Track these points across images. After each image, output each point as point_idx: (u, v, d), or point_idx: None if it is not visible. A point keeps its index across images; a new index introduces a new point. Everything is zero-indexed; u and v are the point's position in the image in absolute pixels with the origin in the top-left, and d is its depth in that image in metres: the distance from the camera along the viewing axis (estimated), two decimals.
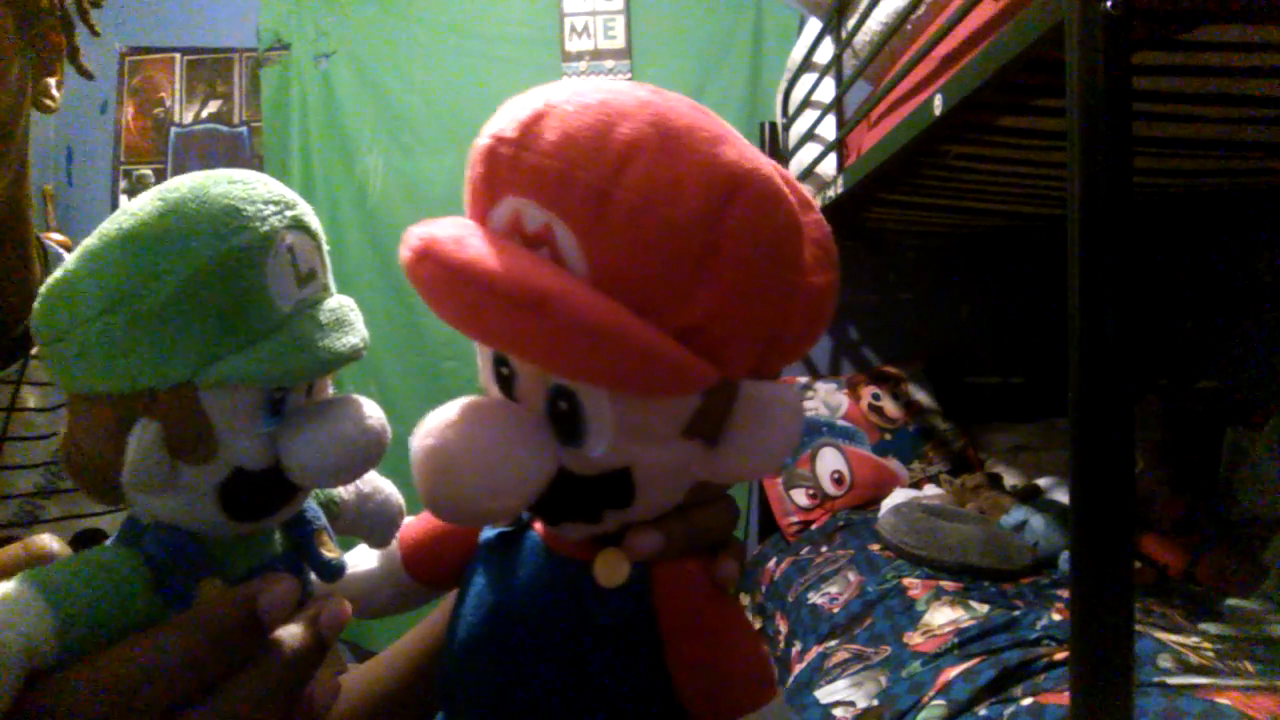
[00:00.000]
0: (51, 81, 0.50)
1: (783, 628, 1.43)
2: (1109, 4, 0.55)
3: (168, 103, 2.27)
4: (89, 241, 0.25)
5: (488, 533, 0.35)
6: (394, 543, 0.37)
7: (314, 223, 0.29)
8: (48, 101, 0.49)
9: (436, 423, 0.27)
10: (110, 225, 0.25)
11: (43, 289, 0.25)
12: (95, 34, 0.54)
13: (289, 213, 0.27)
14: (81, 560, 0.25)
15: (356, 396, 0.30)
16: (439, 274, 0.24)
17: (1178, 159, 1.12)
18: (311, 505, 0.32)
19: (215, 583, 0.27)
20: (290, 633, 0.27)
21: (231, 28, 2.28)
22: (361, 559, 0.38)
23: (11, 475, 0.48)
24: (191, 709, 0.24)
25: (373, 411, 0.29)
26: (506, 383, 0.29)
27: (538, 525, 0.33)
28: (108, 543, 0.28)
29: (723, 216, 0.24)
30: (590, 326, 0.23)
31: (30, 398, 0.49)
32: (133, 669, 0.23)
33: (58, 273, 0.25)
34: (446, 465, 0.26)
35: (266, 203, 0.26)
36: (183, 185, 0.25)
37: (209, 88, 2.29)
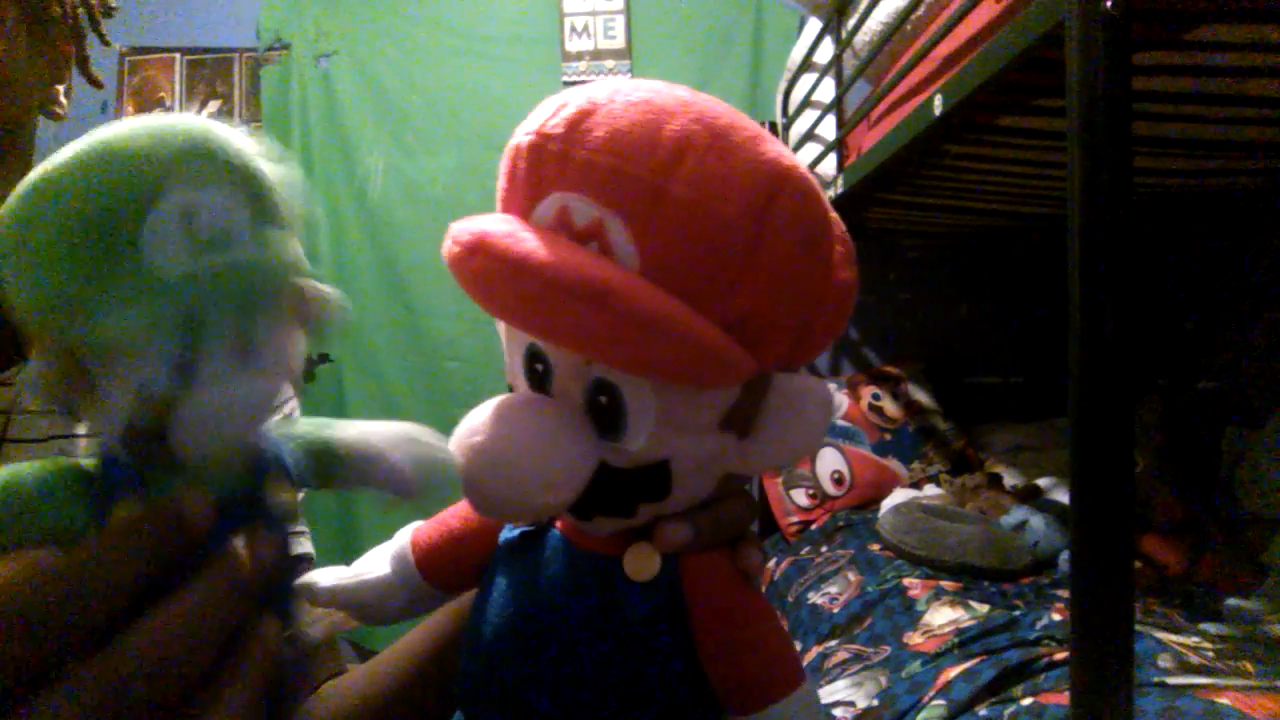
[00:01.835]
0: (60, 89, 0.50)
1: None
2: (1109, 4, 0.55)
3: (168, 103, 2.27)
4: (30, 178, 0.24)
5: (508, 533, 0.34)
6: (407, 549, 0.37)
7: (258, 184, 0.26)
8: (57, 109, 0.50)
9: (480, 421, 0.27)
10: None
11: None
12: (106, 43, 0.55)
13: (199, 165, 0.24)
14: (19, 468, 0.25)
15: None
16: (495, 268, 0.25)
17: (1178, 159, 1.12)
18: (273, 439, 0.29)
19: (132, 504, 0.25)
20: (226, 553, 0.25)
21: (231, 28, 2.29)
22: (374, 565, 0.37)
23: None
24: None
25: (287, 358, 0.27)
26: (541, 379, 0.29)
27: (559, 523, 0.33)
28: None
29: (768, 212, 0.25)
30: (649, 318, 0.24)
31: (30, 399, 0.49)
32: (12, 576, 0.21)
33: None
34: (498, 461, 0.26)
35: (174, 153, 0.24)
36: (101, 131, 0.24)
37: (209, 88, 2.29)
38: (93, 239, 0.23)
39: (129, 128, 0.24)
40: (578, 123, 0.26)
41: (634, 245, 0.25)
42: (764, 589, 1.61)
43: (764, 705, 0.30)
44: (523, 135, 0.28)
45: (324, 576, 0.37)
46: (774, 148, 0.27)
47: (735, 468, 0.30)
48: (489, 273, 0.25)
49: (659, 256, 0.25)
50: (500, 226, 0.26)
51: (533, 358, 0.29)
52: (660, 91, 0.27)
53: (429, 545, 0.37)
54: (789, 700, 0.30)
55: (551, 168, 0.27)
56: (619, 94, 0.27)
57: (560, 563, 0.32)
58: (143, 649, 0.22)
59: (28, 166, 0.48)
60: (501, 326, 0.31)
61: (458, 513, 0.37)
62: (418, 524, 0.38)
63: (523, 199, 0.28)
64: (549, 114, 0.28)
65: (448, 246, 0.26)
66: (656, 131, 0.25)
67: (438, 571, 0.36)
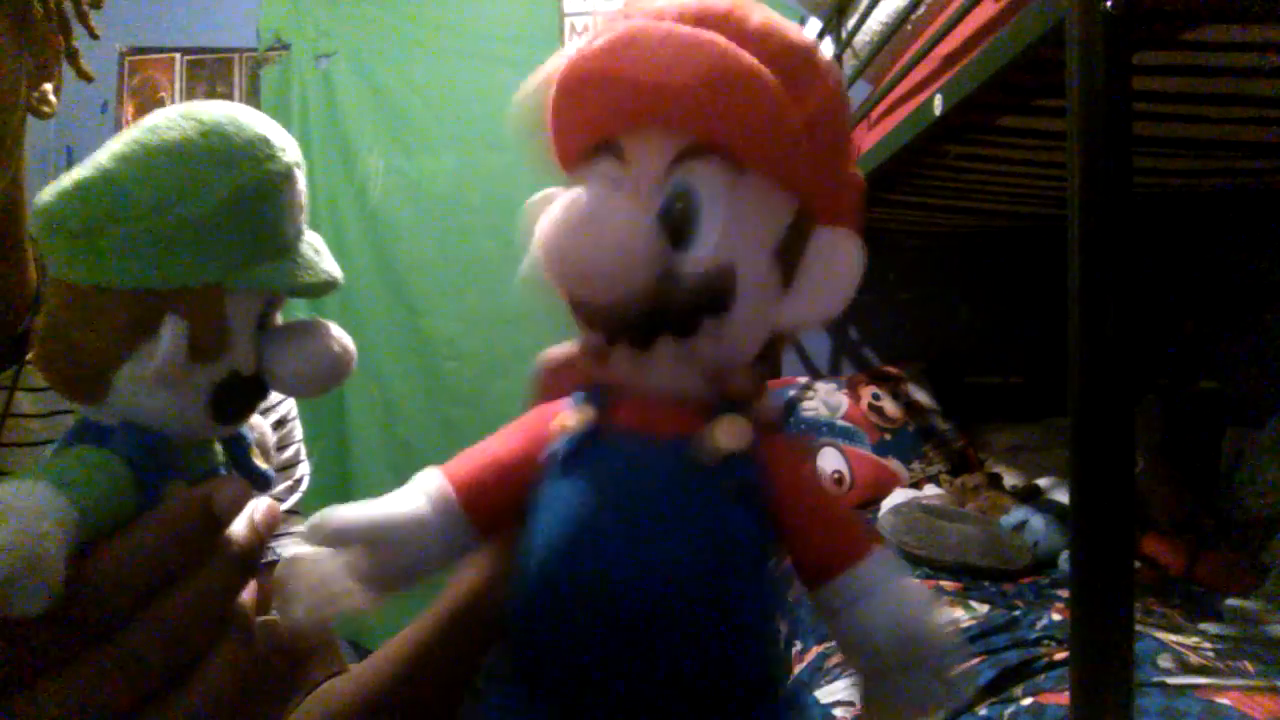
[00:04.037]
0: (48, 87, 0.49)
1: (783, 628, 1.43)
2: (1109, 4, 0.55)
3: (168, 103, 2.27)
4: (119, 150, 0.27)
5: (558, 444, 0.31)
6: (444, 484, 0.32)
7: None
8: (44, 108, 0.49)
9: (560, 202, 0.29)
10: (144, 136, 0.27)
11: (68, 185, 0.26)
12: (94, 36, 0.54)
13: (296, 153, 0.30)
14: (78, 457, 0.27)
15: (324, 320, 0.33)
16: (621, 39, 0.28)
17: (1178, 159, 1.12)
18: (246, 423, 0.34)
19: (179, 484, 0.29)
20: (234, 531, 0.29)
21: (231, 28, 2.29)
22: (407, 500, 0.31)
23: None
24: (157, 601, 0.26)
25: (343, 333, 0.33)
26: None
27: (622, 416, 0.31)
28: (55, 445, 0.29)
29: (815, 52, 0.30)
30: (747, 70, 0.27)
31: (25, 403, 0.49)
32: (110, 564, 0.25)
33: (86, 173, 0.26)
34: (581, 232, 0.28)
35: (282, 139, 0.30)
36: (211, 110, 0.28)
37: (209, 88, 2.29)
38: (260, 202, 0.28)
39: (229, 107, 0.29)
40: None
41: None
42: None
43: (857, 562, 0.30)
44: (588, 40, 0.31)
45: (347, 512, 0.31)
46: None
47: (779, 318, 0.31)
48: (615, 56, 0.29)
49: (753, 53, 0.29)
50: (616, 23, 0.29)
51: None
52: None
53: (471, 478, 0.32)
54: (881, 550, 0.30)
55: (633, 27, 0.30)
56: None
57: (630, 455, 0.30)
58: (164, 622, 0.26)
59: (17, 165, 0.48)
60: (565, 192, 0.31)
61: (501, 441, 0.33)
62: (434, 468, 0.33)
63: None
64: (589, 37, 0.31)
65: (584, 44, 0.29)
66: (710, 4, 0.30)
67: (483, 506, 0.32)
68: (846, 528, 0.31)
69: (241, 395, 0.30)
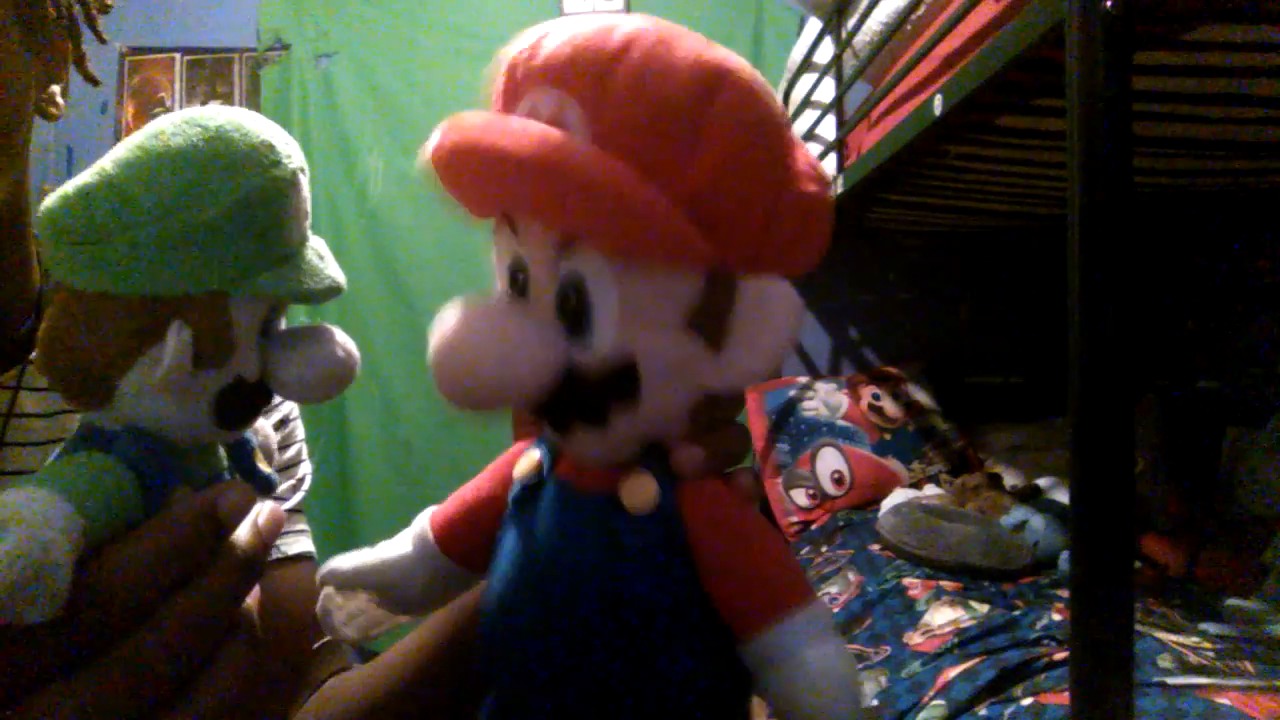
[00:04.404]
0: (56, 89, 0.50)
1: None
2: (1109, 4, 0.55)
3: (168, 103, 2.27)
4: (124, 156, 0.27)
5: (514, 491, 0.34)
6: (425, 526, 0.37)
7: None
8: (52, 109, 0.49)
9: (449, 316, 0.28)
10: (148, 142, 0.27)
11: (72, 191, 0.26)
12: (102, 40, 0.54)
13: (300, 158, 0.31)
14: (82, 464, 0.27)
15: (329, 325, 0.33)
16: (458, 146, 0.28)
17: (1178, 159, 1.12)
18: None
19: (184, 489, 0.29)
20: (239, 536, 0.29)
21: (231, 28, 2.28)
22: (395, 546, 0.38)
23: (9, 482, 0.47)
24: (162, 607, 0.26)
25: (348, 339, 0.33)
26: (522, 289, 0.31)
27: (561, 468, 0.33)
28: (58, 450, 0.29)
29: (712, 98, 0.27)
30: (593, 179, 0.26)
31: (29, 403, 0.49)
32: (115, 571, 0.25)
33: (90, 179, 0.26)
34: (461, 351, 0.28)
35: (287, 144, 0.30)
36: (215, 116, 0.28)
37: (209, 88, 2.29)
38: (266, 208, 0.28)
39: (234, 113, 0.29)
40: (541, 38, 0.29)
41: (587, 125, 0.27)
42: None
43: (769, 624, 0.29)
44: (499, 64, 0.31)
45: (345, 560, 0.37)
46: (725, 53, 0.28)
47: (711, 380, 0.30)
48: (455, 151, 0.28)
49: (609, 133, 0.27)
50: (470, 116, 0.28)
51: (514, 271, 0.31)
52: (626, 15, 0.29)
53: (446, 519, 0.37)
54: (802, 614, 0.29)
55: (521, 75, 0.29)
56: (581, 16, 0.29)
57: (559, 507, 0.32)
58: (170, 628, 0.26)
59: (23, 166, 0.48)
60: (493, 253, 0.32)
61: (473, 484, 0.37)
62: (427, 510, 0.38)
63: (503, 111, 0.31)
64: (525, 39, 0.30)
65: (424, 152, 0.29)
66: (608, 33, 0.28)
67: (455, 544, 0.37)
68: (765, 586, 0.30)
69: (245, 401, 0.30)
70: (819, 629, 0.29)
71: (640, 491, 0.30)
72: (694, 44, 0.28)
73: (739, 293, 0.29)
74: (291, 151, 0.30)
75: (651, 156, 0.27)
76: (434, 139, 0.29)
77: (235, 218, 0.27)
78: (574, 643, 0.30)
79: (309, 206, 0.31)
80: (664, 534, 0.30)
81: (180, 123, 0.28)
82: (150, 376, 0.27)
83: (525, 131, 0.27)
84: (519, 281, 0.30)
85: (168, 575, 0.26)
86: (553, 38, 0.29)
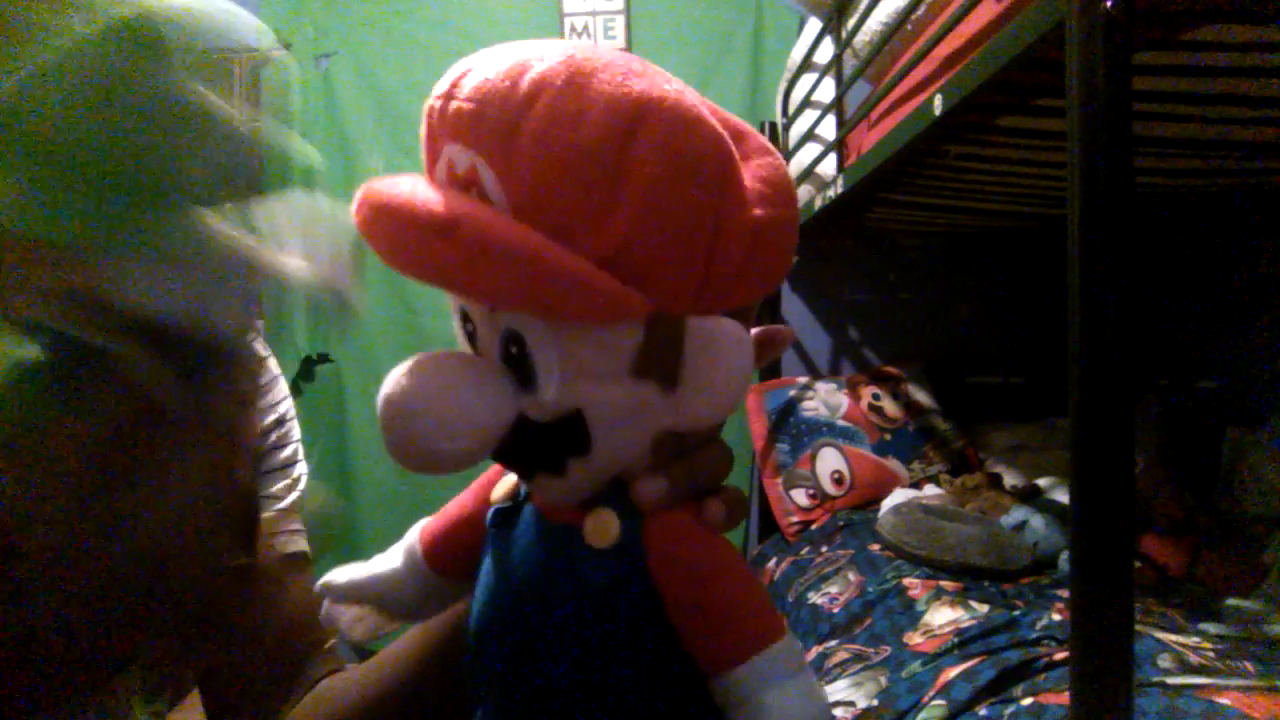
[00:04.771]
0: None
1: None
2: (1109, 4, 0.55)
3: None
4: None
5: (490, 516, 0.35)
6: (415, 540, 0.38)
7: None
8: None
9: (395, 373, 0.28)
10: None
11: None
12: None
13: None
14: None
15: None
16: (370, 213, 0.27)
17: (1178, 159, 1.12)
18: None
19: (98, 381, 0.30)
20: None
21: None
22: (386, 560, 0.39)
23: None
24: None
25: None
26: (471, 339, 0.30)
27: (536, 498, 0.33)
28: None
29: (631, 141, 0.25)
30: (500, 248, 0.25)
31: None
32: None
33: None
34: (401, 411, 0.27)
35: None
36: None
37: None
38: None
39: None
40: (458, 79, 0.28)
41: (500, 185, 0.26)
42: (767, 587, 1.60)
43: (737, 663, 0.29)
44: (428, 101, 0.30)
45: (340, 574, 0.39)
46: (648, 81, 0.26)
47: (668, 422, 0.29)
48: (368, 218, 0.27)
49: (522, 193, 0.26)
50: (386, 181, 0.28)
51: (464, 319, 0.30)
52: (549, 45, 0.27)
53: (432, 534, 0.38)
54: (763, 656, 0.29)
55: (438, 123, 0.28)
56: (501, 49, 0.28)
57: (530, 536, 0.32)
58: None
59: None
60: (449, 299, 0.32)
61: (458, 500, 0.38)
62: (419, 524, 0.39)
63: (429, 159, 0.30)
64: (445, 76, 0.29)
65: (350, 209, 0.28)
66: (519, 77, 0.26)
67: (441, 558, 0.37)
68: (725, 625, 0.30)
69: None
70: (780, 670, 0.29)
71: (601, 527, 0.30)
72: (610, 79, 0.26)
73: (686, 331, 0.28)
74: None
75: (568, 216, 0.25)
76: (354, 201, 0.28)
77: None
78: (543, 674, 0.31)
79: None
80: (627, 569, 0.30)
81: None
82: None
83: (432, 198, 0.26)
84: (469, 332, 0.31)
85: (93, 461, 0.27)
86: (467, 81, 0.27)
